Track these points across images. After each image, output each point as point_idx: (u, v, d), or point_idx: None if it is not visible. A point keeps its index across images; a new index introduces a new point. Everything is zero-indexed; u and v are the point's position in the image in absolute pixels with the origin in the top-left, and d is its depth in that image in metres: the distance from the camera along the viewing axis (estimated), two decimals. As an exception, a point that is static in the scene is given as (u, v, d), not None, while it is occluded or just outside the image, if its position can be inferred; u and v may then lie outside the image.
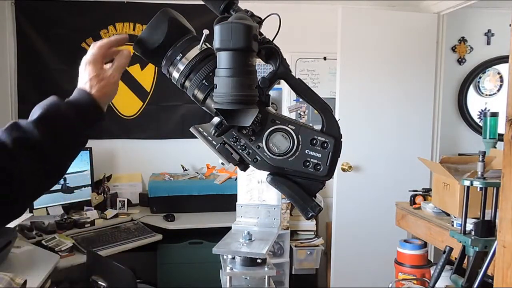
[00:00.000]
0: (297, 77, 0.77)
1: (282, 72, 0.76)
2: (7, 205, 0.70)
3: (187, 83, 0.77)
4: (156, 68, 3.40)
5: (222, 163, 0.79)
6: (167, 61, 0.78)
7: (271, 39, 0.78)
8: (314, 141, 0.74)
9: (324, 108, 0.76)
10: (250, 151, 0.75)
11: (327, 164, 0.74)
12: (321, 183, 0.77)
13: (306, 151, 0.74)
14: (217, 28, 0.69)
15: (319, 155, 0.74)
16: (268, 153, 0.74)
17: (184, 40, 0.78)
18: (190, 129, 0.84)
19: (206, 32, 0.76)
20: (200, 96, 0.76)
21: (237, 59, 0.69)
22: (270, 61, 0.77)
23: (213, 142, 0.80)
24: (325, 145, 0.74)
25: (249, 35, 0.69)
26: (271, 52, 0.76)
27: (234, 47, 0.68)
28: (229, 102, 0.69)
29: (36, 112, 0.74)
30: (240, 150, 0.76)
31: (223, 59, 0.69)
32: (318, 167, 0.74)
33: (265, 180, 0.88)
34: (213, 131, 0.75)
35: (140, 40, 0.78)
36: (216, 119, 0.77)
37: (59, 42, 3.28)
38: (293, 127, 0.74)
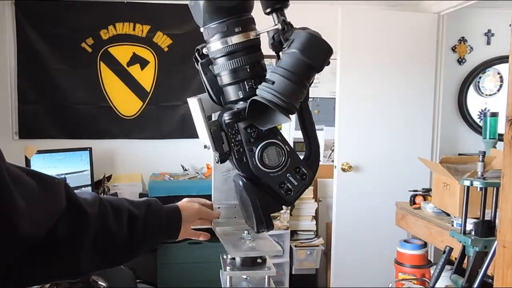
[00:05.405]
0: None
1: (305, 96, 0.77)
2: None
3: (221, 60, 0.75)
4: (156, 68, 3.40)
5: (205, 146, 0.79)
6: (222, 27, 0.73)
7: None
8: (298, 170, 0.77)
9: (316, 145, 0.79)
10: (241, 149, 0.76)
11: (297, 193, 0.77)
12: (280, 206, 0.80)
13: (287, 175, 0.76)
14: (304, 35, 0.69)
15: (296, 183, 0.77)
16: (257, 160, 0.75)
17: (247, 17, 0.75)
18: (189, 99, 0.82)
19: (278, 27, 0.75)
20: (227, 79, 0.75)
21: (306, 72, 0.70)
22: None
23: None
24: (304, 177, 0.77)
25: (327, 59, 0.71)
26: None
27: (312, 62, 0.69)
28: (276, 103, 0.69)
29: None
30: (232, 144, 0.76)
31: (295, 64, 0.69)
32: (289, 192, 0.77)
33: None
34: (229, 117, 0.75)
35: None
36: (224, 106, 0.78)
37: (59, 42, 3.28)
38: (288, 149, 0.76)
